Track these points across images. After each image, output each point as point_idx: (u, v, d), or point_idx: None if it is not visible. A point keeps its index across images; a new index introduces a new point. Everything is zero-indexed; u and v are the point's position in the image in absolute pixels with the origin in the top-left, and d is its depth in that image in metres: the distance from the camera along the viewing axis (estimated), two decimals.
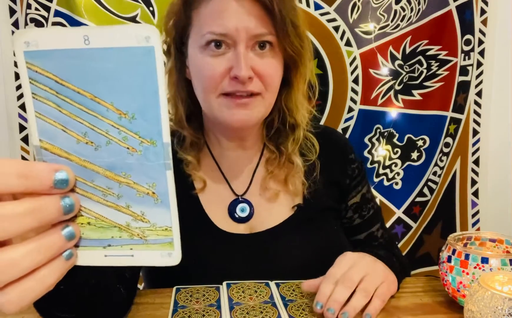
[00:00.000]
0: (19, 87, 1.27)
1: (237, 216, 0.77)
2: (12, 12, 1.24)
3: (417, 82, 1.39)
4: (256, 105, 0.70)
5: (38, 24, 1.22)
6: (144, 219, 0.33)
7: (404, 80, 1.38)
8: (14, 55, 0.32)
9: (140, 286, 0.83)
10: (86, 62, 0.30)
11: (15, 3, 1.23)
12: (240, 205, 0.78)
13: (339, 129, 1.41)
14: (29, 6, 1.22)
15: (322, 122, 1.39)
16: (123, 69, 0.30)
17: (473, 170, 1.45)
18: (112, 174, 0.32)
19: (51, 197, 0.30)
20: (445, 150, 1.42)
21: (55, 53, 0.30)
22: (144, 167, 0.32)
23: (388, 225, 1.44)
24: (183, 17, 0.72)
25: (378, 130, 1.41)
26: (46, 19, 1.23)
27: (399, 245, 1.45)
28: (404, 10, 1.35)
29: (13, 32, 1.24)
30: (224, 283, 0.69)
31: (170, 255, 0.33)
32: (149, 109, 0.31)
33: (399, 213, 1.44)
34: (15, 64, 1.26)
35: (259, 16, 0.66)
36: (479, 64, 1.39)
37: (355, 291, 0.60)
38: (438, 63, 1.37)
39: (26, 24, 1.22)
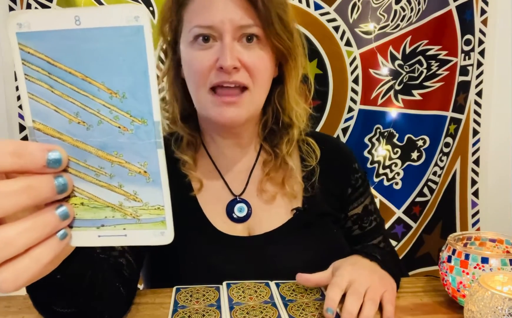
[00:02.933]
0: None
1: (235, 216, 0.77)
2: None
3: (417, 82, 1.39)
4: (245, 102, 0.70)
5: None
6: (136, 198, 0.33)
7: (404, 80, 1.38)
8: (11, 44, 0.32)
9: (140, 286, 0.83)
10: (78, 42, 0.30)
11: (15, 3, 1.23)
12: (238, 205, 0.78)
13: (339, 129, 1.41)
14: (29, 6, 1.22)
15: (322, 122, 1.39)
16: (113, 49, 0.30)
17: (473, 170, 1.45)
18: (104, 154, 0.32)
19: (44, 176, 0.31)
20: (445, 150, 1.42)
21: (47, 34, 0.30)
22: (136, 146, 0.32)
23: (388, 225, 1.44)
24: (174, 18, 0.74)
25: (378, 130, 1.41)
26: None
27: (399, 245, 1.46)
28: (404, 10, 1.35)
29: None
30: (224, 283, 0.69)
31: (163, 234, 0.33)
32: (140, 88, 0.31)
33: (399, 213, 1.44)
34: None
35: (244, 8, 0.68)
36: (479, 64, 1.39)
37: (363, 302, 0.61)
38: (438, 63, 1.37)
39: None
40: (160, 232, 0.33)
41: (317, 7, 1.33)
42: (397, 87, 1.38)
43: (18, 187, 0.29)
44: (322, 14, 1.33)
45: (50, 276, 0.34)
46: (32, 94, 0.32)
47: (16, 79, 1.25)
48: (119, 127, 0.32)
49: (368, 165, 1.42)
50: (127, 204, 0.33)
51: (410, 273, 1.47)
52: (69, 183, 0.32)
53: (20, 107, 1.27)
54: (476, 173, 1.45)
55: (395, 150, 1.42)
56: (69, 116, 0.32)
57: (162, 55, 0.80)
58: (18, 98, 1.27)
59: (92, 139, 0.32)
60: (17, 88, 1.27)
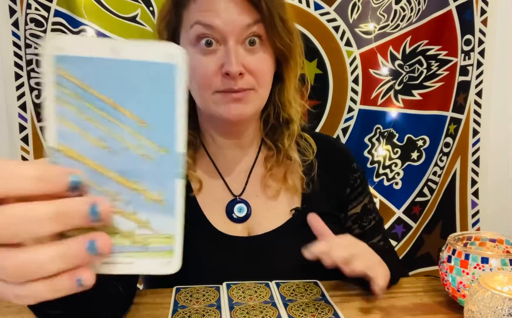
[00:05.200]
0: (19, 87, 1.27)
1: (235, 216, 0.77)
2: (12, 12, 1.24)
3: (417, 82, 1.39)
4: (251, 98, 0.71)
5: (38, 24, 1.22)
6: (148, 226, 0.33)
7: (404, 80, 1.38)
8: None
9: (140, 286, 0.82)
10: (112, 71, 0.31)
11: (15, 3, 1.23)
12: (238, 205, 0.78)
13: (339, 129, 1.41)
14: (29, 6, 1.22)
15: (322, 122, 1.39)
16: (146, 81, 0.32)
17: (473, 170, 1.44)
18: (123, 180, 0.32)
19: (77, 202, 0.30)
20: (445, 150, 1.42)
21: (83, 60, 0.31)
22: (157, 175, 0.32)
23: (388, 225, 1.44)
24: (173, 18, 0.74)
25: (378, 130, 1.41)
26: (46, 19, 1.23)
27: (399, 245, 1.45)
28: (404, 10, 1.34)
29: (13, 32, 1.24)
30: (224, 283, 0.69)
31: (170, 263, 0.33)
32: (167, 120, 0.32)
33: (399, 213, 1.44)
34: (15, 64, 1.26)
35: (247, 10, 0.68)
36: (479, 64, 1.39)
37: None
38: (438, 63, 1.37)
39: (26, 24, 1.22)
40: (167, 261, 0.33)
41: (317, 7, 1.33)
42: (397, 87, 1.38)
43: (52, 212, 0.28)
44: (322, 14, 1.33)
45: None
46: (59, 115, 0.32)
47: (16, 79, 1.26)
48: (142, 155, 0.32)
49: (368, 165, 1.42)
50: (138, 231, 0.33)
51: (410, 273, 1.47)
52: (102, 211, 0.30)
53: (20, 107, 1.27)
54: (476, 173, 1.45)
55: (395, 150, 1.42)
56: (94, 140, 0.32)
57: None
58: (18, 98, 1.27)
59: (113, 165, 0.32)
60: (17, 88, 1.27)
